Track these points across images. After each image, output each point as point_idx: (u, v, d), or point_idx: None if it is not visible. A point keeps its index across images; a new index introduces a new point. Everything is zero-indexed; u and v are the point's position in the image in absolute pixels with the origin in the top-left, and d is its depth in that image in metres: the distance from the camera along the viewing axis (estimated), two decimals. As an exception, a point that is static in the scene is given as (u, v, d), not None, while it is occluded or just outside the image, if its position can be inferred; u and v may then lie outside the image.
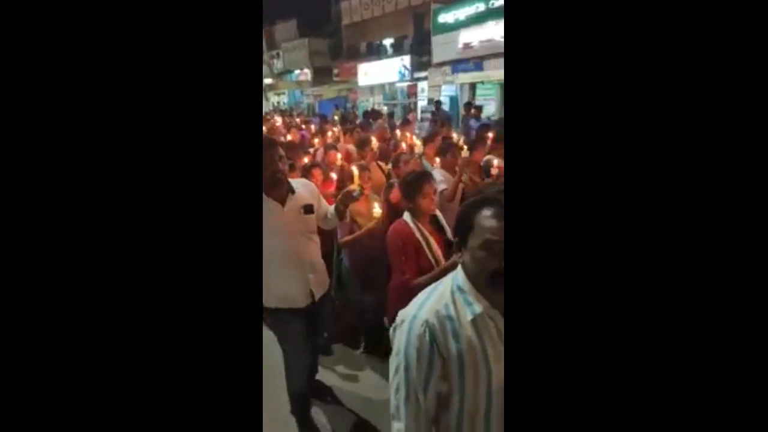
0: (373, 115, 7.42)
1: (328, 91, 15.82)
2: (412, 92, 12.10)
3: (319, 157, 3.57)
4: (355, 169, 2.00)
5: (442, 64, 10.00)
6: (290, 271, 1.69)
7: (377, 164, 3.18)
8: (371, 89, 13.86)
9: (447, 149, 2.88)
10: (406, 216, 1.82)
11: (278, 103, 18.96)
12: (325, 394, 2.21)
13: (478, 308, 0.83)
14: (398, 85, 12.68)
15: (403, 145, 4.03)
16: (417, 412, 0.83)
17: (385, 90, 13.45)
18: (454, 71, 9.69)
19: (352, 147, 3.78)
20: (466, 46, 9.12)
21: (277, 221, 1.61)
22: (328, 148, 3.44)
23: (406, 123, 5.53)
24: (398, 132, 4.68)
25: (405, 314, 0.87)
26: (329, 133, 4.87)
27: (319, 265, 1.83)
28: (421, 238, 1.76)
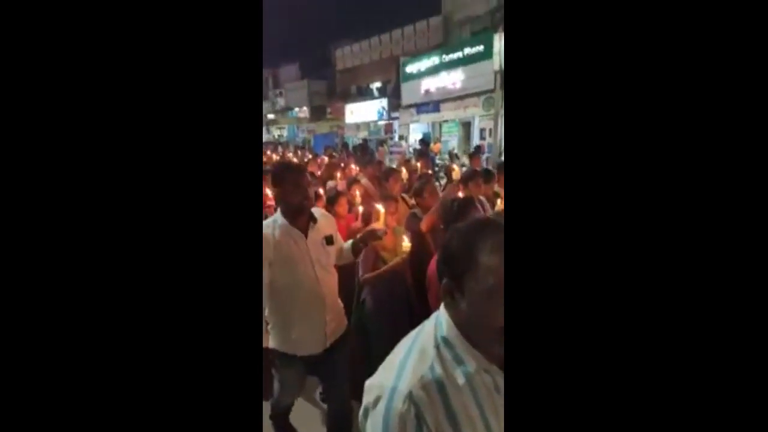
0: (362, 149, 8.40)
1: (321, 127, 17.55)
2: (388, 130, 13.61)
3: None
4: (381, 208, 1.85)
5: (409, 106, 11.50)
6: (307, 309, 1.51)
7: (402, 197, 2.97)
8: (357, 126, 15.46)
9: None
10: None
11: (279, 136, 20.86)
12: None
13: (471, 366, 0.64)
14: (380, 123, 14.23)
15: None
16: None
17: (370, 127, 15.01)
18: (418, 112, 11.19)
19: (367, 182, 3.67)
20: (427, 92, 10.61)
21: (297, 251, 1.49)
22: (351, 182, 3.26)
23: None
24: (415, 162, 4.86)
25: (380, 387, 0.64)
26: (342, 167, 4.71)
27: (337, 305, 1.64)
28: None
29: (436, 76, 10.26)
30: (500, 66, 8.26)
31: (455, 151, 9.77)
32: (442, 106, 10.41)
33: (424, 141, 7.77)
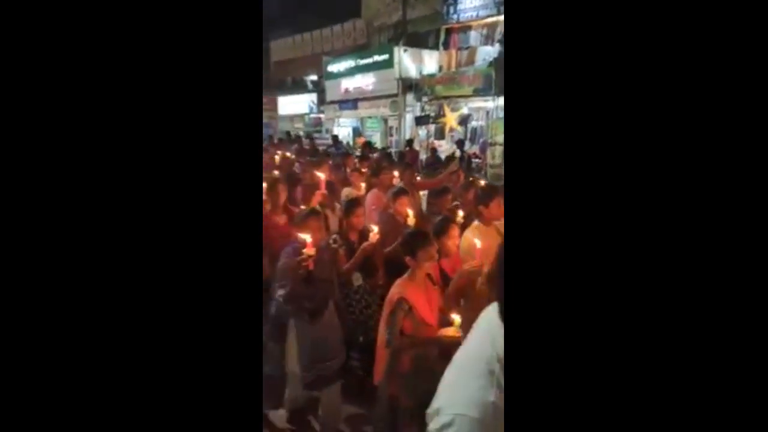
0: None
1: (258, 117, 18.11)
2: (316, 123, 14.56)
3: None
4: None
5: (332, 102, 12.53)
6: None
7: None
8: (291, 118, 16.20)
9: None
10: None
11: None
12: None
13: None
14: (312, 116, 15.12)
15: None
16: None
17: (304, 120, 15.84)
18: (341, 108, 12.27)
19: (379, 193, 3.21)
20: (346, 90, 11.67)
21: None
22: (398, 193, 2.63)
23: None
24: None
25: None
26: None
27: None
28: None
29: (353, 78, 11.33)
30: (400, 74, 9.53)
31: (377, 144, 11.07)
32: (360, 104, 11.53)
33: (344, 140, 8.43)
